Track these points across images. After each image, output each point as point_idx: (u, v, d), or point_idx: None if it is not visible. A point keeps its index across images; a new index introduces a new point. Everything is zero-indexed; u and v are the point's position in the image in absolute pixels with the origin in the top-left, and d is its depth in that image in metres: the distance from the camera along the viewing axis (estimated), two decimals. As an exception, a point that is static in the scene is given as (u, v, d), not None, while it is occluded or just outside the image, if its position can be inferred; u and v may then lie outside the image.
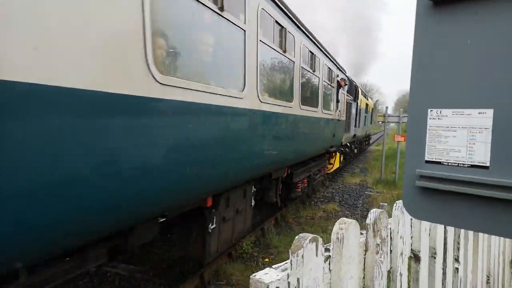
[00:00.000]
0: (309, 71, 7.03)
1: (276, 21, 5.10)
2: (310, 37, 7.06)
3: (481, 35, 0.83)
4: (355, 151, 19.23)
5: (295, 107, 6.00)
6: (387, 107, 13.62)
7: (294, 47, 6.02)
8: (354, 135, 15.66)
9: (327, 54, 8.86)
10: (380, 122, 13.56)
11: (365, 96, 20.13)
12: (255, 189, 5.69)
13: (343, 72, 11.38)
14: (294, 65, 6.04)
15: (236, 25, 3.78)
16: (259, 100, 4.43)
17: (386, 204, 7.43)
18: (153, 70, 2.44)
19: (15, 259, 1.86)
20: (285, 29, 5.52)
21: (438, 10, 0.90)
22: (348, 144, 14.50)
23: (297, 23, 6.10)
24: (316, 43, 7.61)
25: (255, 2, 4.27)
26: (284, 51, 5.50)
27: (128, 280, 4.61)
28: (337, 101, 10.02)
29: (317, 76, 7.68)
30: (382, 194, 10.67)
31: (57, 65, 1.80)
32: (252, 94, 4.23)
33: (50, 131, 1.80)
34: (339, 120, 10.31)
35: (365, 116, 19.99)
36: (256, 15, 4.28)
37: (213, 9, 3.26)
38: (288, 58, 5.74)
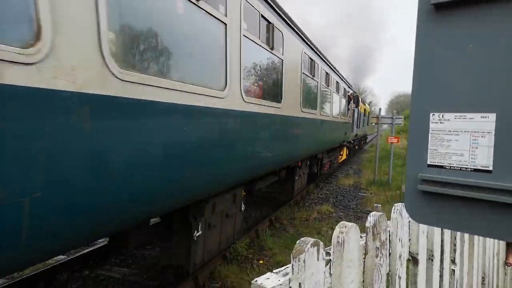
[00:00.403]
0: (337, 94, 11.98)
1: (324, 69, 9.49)
2: (339, 74, 12.30)
3: (483, 40, 0.83)
4: (356, 147, 24.72)
5: (331, 116, 10.66)
6: (380, 109, 13.71)
7: (331, 82, 10.75)
8: (356, 134, 19.55)
9: (345, 80, 14.08)
10: (374, 124, 13.65)
11: (363, 103, 25.38)
12: (309, 163, 10.05)
13: (351, 89, 16.82)
14: (331, 93, 10.79)
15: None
16: (320, 115, 9.02)
17: (380, 205, 7.42)
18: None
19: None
20: (330, 75, 10.43)
21: (440, 14, 0.90)
22: (351, 141, 18.65)
23: (337, 73, 11.98)
24: (341, 77, 12.81)
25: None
26: (328, 85, 10.20)
27: (121, 283, 4.57)
28: (348, 109, 14.60)
29: (338, 95, 12.24)
30: (376, 195, 10.72)
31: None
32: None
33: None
34: (348, 122, 14.96)
35: (364, 119, 24.86)
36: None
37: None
38: (329, 89, 10.46)
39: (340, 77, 12.62)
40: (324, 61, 9.49)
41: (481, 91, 0.84)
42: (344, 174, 15.43)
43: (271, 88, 5.48)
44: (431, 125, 0.92)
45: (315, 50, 8.30)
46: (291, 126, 6.42)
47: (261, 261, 5.61)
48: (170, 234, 4.25)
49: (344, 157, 16.65)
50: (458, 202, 0.88)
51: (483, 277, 2.61)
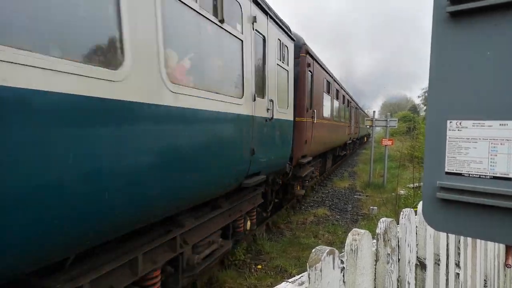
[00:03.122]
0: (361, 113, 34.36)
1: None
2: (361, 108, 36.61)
3: (501, 47, 0.84)
4: (367, 138, 45.52)
5: (364, 125, 30.13)
6: (374, 111, 13.81)
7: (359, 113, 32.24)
8: (368, 132, 39.60)
9: (364, 111, 43.06)
10: (368, 126, 13.74)
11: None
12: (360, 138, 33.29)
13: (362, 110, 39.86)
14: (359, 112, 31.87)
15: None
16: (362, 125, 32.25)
17: (376, 207, 7.48)
18: None
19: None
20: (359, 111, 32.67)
21: (456, 21, 0.90)
22: (365, 134, 39.59)
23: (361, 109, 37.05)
24: (361, 108, 38.71)
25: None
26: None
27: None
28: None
29: (356, 115, 27.10)
30: (371, 198, 10.76)
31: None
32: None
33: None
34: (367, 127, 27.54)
35: None
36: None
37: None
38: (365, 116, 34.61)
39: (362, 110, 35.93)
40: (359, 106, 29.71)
41: (499, 99, 0.84)
42: (339, 177, 15.49)
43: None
44: (448, 133, 0.92)
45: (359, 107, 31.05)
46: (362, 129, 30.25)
47: (259, 266, 5.59)
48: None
49: (366, 140, 40.92)
50: (477, 209, 0.88)
51: (485, 280, 2.62)
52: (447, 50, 0.91)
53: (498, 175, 0.85)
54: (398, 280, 1.48)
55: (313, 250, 1.04)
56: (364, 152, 31.54)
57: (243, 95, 4.36)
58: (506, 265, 3.19)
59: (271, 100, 5.48)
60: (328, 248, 1.03)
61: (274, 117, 5.55)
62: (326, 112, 10.83)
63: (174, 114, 2.87)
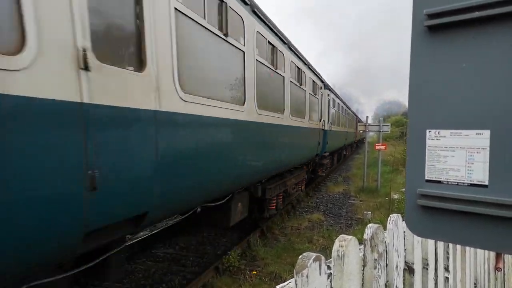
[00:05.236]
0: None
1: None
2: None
3: (475, 59, 0.87)
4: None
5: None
6: (367, 116, 13.90)
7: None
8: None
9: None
10: (361, 131, 13.83)
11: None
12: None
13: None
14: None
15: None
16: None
17: (370, 212, 7.49)
18: None
19: None
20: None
21: (433, 35, 0.93)
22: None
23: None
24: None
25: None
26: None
27: None
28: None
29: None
30: (365, 202, 10.80)
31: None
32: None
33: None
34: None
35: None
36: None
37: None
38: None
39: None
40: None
41: (475, 109, 0.87)
42: (333, 182, 15.53)
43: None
44: (428, 142, 0.95)
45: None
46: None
47: (253, 272, 5.58)
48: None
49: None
50: (456, 216, 0.91)
51: (475, 284, 2.66)
52: (425, 62, 0.95)
53: (475, 182, 0.88)
54: (386, 285, 1.51)
55: (300, 257, 1.06)
56: (358, 157, 31.54)
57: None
58: (496, 268, 3.23)
59: None
60: (314, 255, 1.05)
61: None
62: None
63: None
